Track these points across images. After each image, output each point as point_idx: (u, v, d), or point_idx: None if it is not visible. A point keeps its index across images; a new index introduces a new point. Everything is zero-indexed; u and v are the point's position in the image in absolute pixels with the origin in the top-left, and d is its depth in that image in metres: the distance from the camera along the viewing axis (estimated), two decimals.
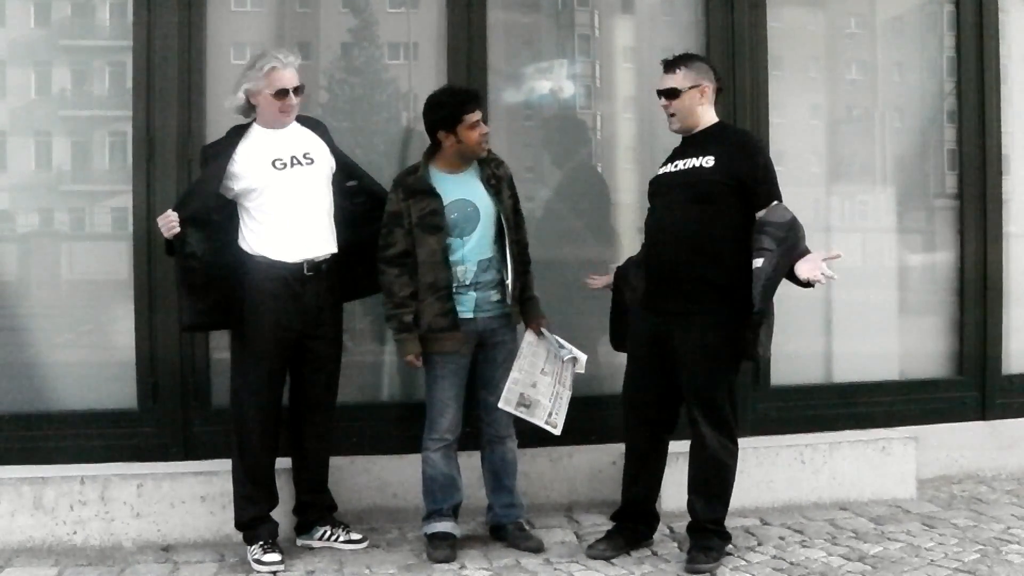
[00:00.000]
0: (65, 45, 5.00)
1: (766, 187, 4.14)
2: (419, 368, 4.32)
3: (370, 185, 4.49)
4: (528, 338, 4.40)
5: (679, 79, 4.21)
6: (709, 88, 4.24)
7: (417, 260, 4.26)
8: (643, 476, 4.39)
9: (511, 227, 4.36)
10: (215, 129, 4.68)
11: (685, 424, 4.32)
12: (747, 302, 3.98)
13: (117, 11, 4.92)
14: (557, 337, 4.41)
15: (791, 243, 4.04)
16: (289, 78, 4.23)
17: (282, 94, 4.22)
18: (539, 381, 4.32)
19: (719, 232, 4.12)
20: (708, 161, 4.12)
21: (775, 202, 4.12)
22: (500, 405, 4.28)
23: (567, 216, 5.31)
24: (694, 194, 4.13)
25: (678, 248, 4.13)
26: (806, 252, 4.06)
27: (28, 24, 4.95)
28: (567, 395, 4.37)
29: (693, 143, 4.24)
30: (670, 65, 4.25)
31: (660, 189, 4.26)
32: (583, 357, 4.39)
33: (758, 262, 3.99)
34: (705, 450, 4.21)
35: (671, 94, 4.22)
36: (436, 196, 4.25)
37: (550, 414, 4.32)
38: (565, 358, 4.36)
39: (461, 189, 4.32)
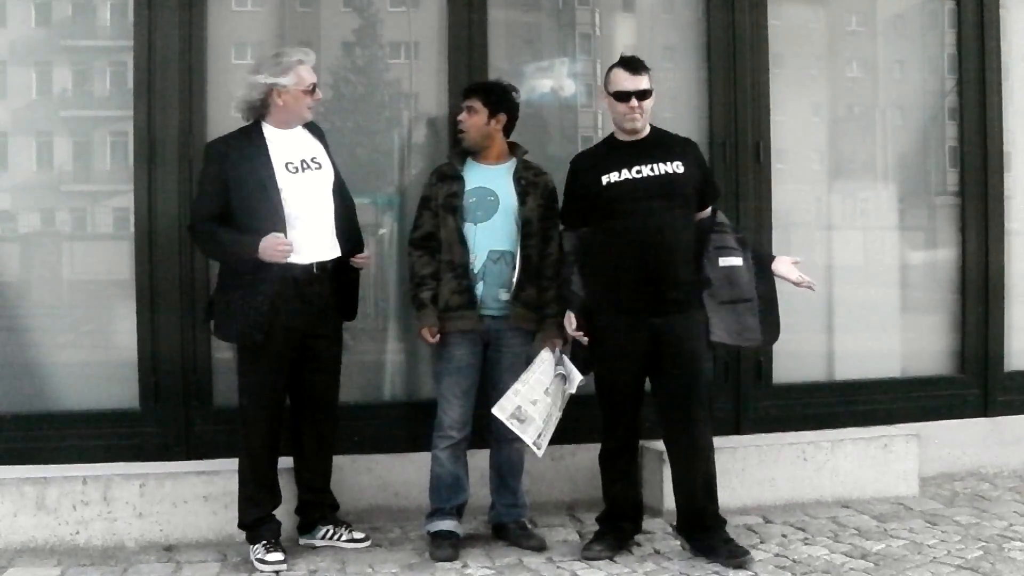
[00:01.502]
0: (66, 45, 5.00)
1: (713, 187, 4.48)
2: (432, 343, 4.36)
3: (345, 198, 4.43)
4: (543, 355, 4.37)
5: (647, 81, 4.28)
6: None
7: (440, 240, 4.38)
8: (627, 476, 4.41)
9: (533, 231, 4.39)
10: (216, 129, 4.67)
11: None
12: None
13: (118, 11, 4.92)
14: (565, 356, 4.41)
15: (748, 242, 4.45)
16: (312, 73, 4.28)
17: (312, 89, 4.26)
18: (540, 400, 4.30)
19: (691, 234, 4.30)
20: (678, 167, 4.26)
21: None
22: (494, 411, 4.28)
23: None
24: (677, 199, 4.24)
25: (667, 251, 4.20)
26: (765, 252, 4.53)
27: (29, 24, 4.95)
28: (557, 417, 4.37)
29: (644, 148, 4.29)
30: (639, 67, 4.30)
31: (630, 195, 4.23)
32: (577, 378, 4.37)
33: (734, 260, 4.31)
34: (706, 449, 4.26)
35: (645, 95, 4.27)
36: (460, 180, 4.40)
37: (539, 435, 4.30)
38: (557, 372, 4.35)
39: (487, 179, 4.43)
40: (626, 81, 4.26)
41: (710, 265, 4.28)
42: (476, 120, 4.41)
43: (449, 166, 4.47)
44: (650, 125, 4.37)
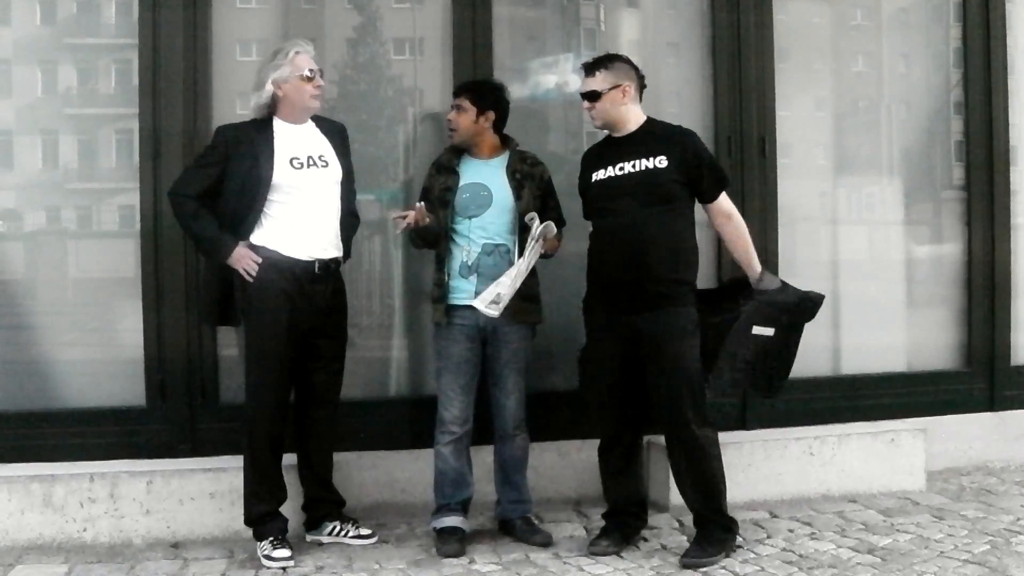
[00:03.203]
0: (71, 43, 5.00)
1: (713, 177, 4.30)
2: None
3: (349, 202, 4.45)
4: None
5: (599, 82, 4.26)
6: (631, 88, 4.30)
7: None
8: (624, 470, 4.41)
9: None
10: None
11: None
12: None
13: (122, 9, 4.93)
14: (536, 222, 4.26)
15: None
16: (310, 60, 4.29)
17: (311, 75, 4.27)
18: (516, 276, 4.22)
19: (681, 230, 4.25)
20: (662, 162, 4.21)
21: (765, 273, 4.34)
22: (475, 303, 4.21)
23: (573, 212, 5.29)
24: (656, 195, 4.19)
25: (650, 250, 4.16)
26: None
27: (34, 22, 4.96)
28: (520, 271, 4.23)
29: (632, 144, 4.28)
30: (590, 68, 4.31)
31: (610, 193, 4.25)
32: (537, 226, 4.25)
33: (766, 331, 4.28)
34: (699, 448, 4.23)
35: (591, 97, 4.27)
36: (455, 175, 4.42)
37: (499, 295, 4.19)
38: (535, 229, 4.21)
39: (481, 174, 4.44)
40: (580, 84, 4.32)
41: (741, 335, 4.24)
42: (464, 118, 4.43)
43: (447, 157, 4.51)
44: (647, 117, 4.34)
